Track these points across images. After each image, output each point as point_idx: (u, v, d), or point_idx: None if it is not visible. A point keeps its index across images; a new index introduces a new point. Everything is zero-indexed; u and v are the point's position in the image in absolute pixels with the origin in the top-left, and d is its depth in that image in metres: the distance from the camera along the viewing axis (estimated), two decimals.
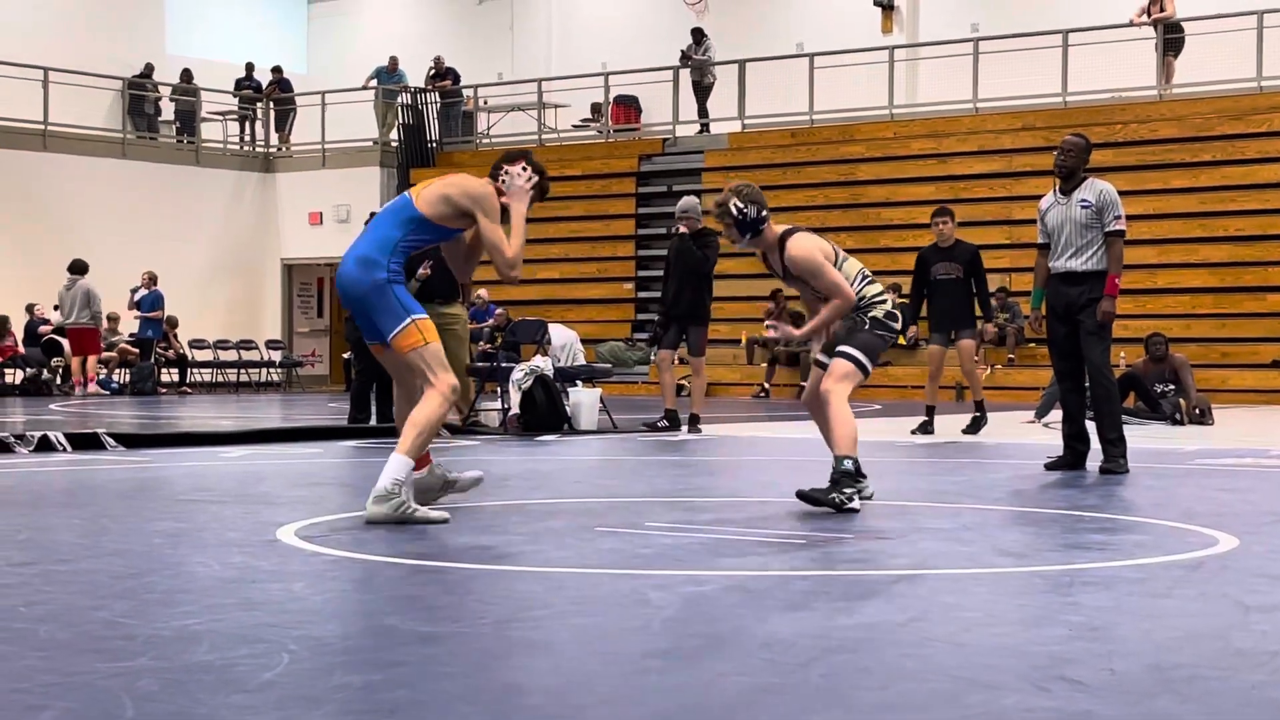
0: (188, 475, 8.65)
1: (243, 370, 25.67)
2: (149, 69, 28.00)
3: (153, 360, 22.84)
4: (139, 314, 22.92)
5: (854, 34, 26.11)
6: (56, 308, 21.80)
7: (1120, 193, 9.05)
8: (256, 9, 32.02)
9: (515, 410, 12.79)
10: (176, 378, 23.83)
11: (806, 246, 6.78)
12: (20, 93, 24.77)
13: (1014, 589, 4.73)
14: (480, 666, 3.51)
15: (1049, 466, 9.00)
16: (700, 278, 12.83)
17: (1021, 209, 21.09)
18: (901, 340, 12.58)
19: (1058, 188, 8.99)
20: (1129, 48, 22.78)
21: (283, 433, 12.03)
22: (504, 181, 6.43)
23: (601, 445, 11.51)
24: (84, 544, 5.56)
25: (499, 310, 22.81)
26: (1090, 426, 9.00)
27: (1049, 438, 11.60)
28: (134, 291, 22.98)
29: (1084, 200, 8.83)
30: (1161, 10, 22.69)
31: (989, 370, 20.27)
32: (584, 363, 15.69)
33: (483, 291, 23.33)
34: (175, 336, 23.97)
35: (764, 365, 22.33)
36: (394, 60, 28.71)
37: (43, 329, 22.13)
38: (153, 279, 22.91)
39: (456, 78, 28.59)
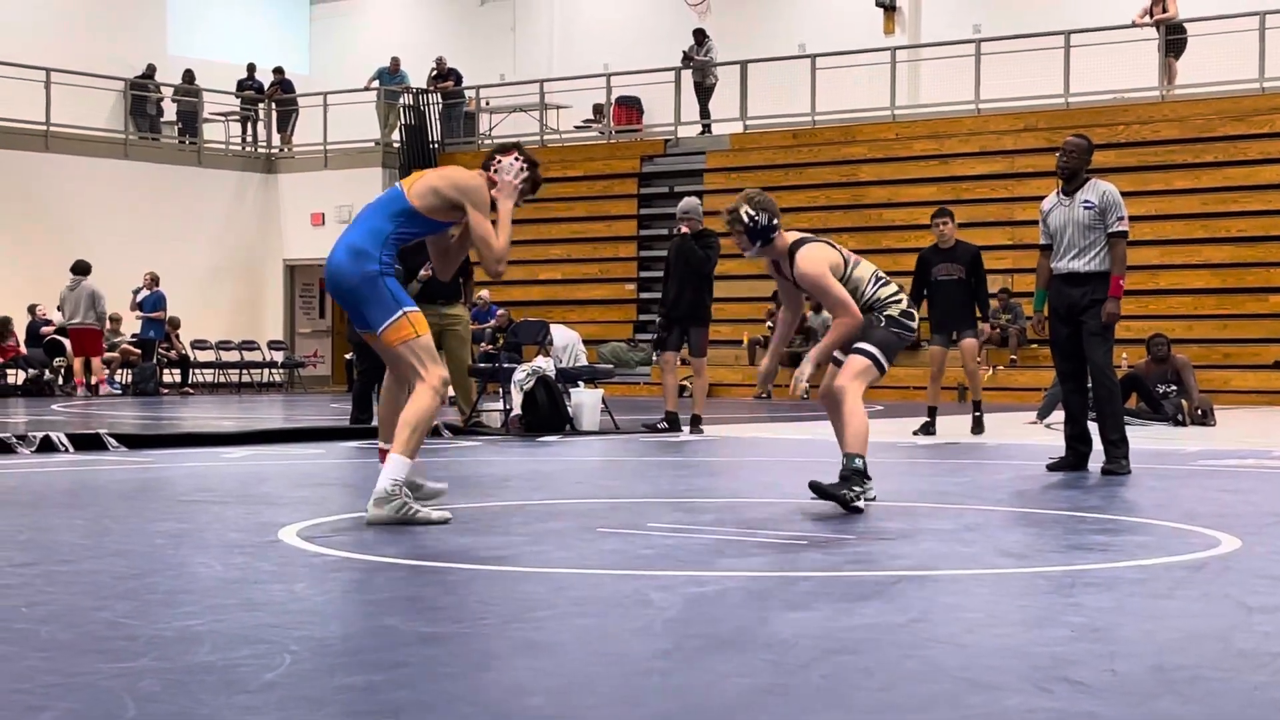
0: (190, 476, 8.65)
1: (245, 371, 25.68)
2: (151, 69, 28.01)
3: (155, 361, 22.84)
4: (141, 315, 22.93)
5: (856, 35, 26.11)
6: (59, 308, 21.79)
7: (1122, 194, 9.05)
8: (258, 9, 32.04)
9: (517, 411, 12.79)
10: (178, 378, 23.84)
11: (815, 261, 6.72)
12: (22, 93, 24.79)
13: (1016, 590, 4.73)
14: (482, 667, 3.51)
15: (1051, 467, 9.00)
16: (701, 278, 12.84)
17: (1023, 210, 21.09)
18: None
19: (1060, 188, 8.99)
20: (1131, 49, 22.77)
21: (285, 433, 12.03)
22: (495, 171, 6.41)
23: (603, 446, 11.51)
24: (86, 544, 5.56)
25: (501, 311, 22.82)
26: (1092, 427, 9.00)
27: (1051, 439, 11.60)
28: (135, 293, 22.98)
29: (1087, 201, 8.83)
30: (1164, 11, 22.68)
31: (990, 371, 20.26)
32: (586, 363, 15.70)
33: (484, 293, 23.34)
34: (177, 337, 23.97)
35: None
36: (396, 61, 28.72)
37: (45, 329, 22.13)
38: (154, 280, 22.92)
39: (458, 78, 28.60)
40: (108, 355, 22.11)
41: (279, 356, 26.45)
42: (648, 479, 8.86)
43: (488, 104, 29.15)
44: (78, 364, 21.23)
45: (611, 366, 18.15)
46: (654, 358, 21.95)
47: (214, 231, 27.34)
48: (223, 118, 29.12)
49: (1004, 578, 4.92)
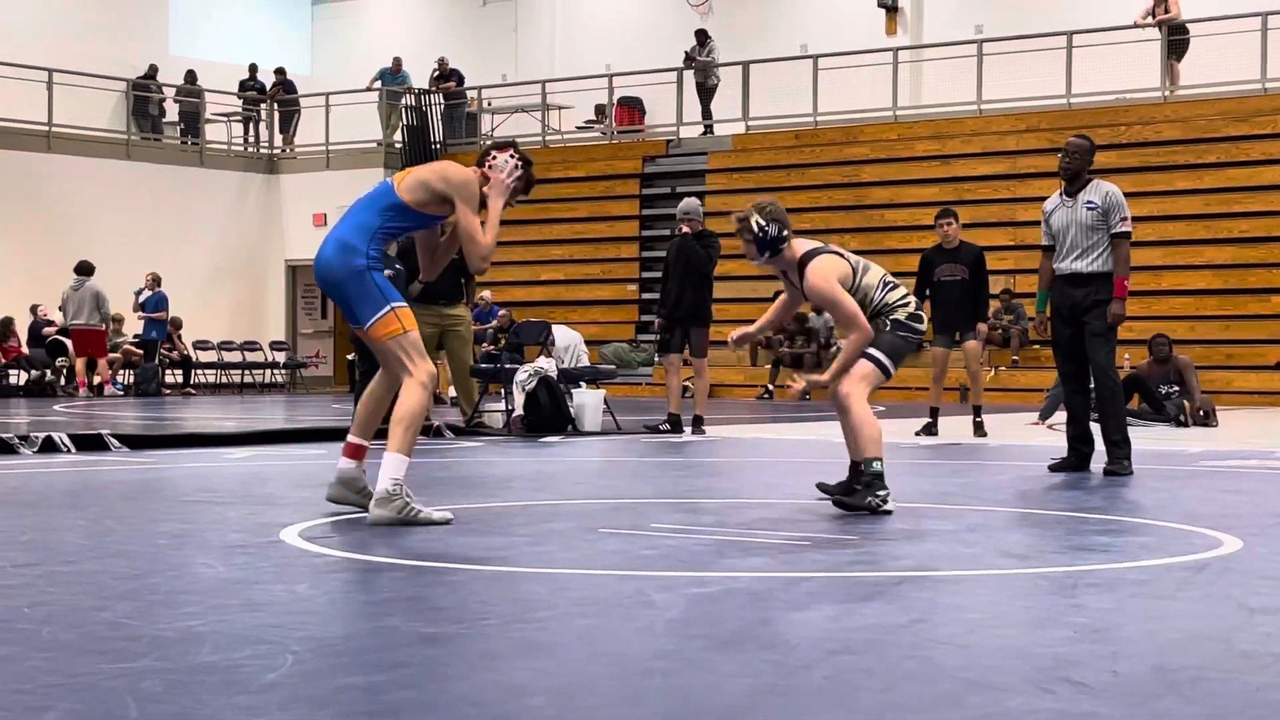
0: (191, 476, 8.66)
1: (247, 371, 25.68)
2: (153, 70, 28.03)
3: (157, 361, 22.84)
4: (143, 315, 22.93)
5: (858, 35, 26.11)
6: (61, 309, 21.79)
7: (1124, 194, 9.05)
8: (260, 10, 32.05)
9: (519, 411, 12.79)
10: (180, 379, 23.84)
11: (825, 277, 6.69)
12: (24, 94, 24.81)
13: (1018, 590, 4.72)
14: (483, 668, 3.51)
15: (1053, 468, 8.99)
16: (702, 278, 12.83)
17: (1025, 210, 21.09)
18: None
19: (1063, 189, 8.99)
20: (1133, 49, 22.76)
21: (287, 434, 12.04)
22: (489, 168, 6.40)
23: (605, 447, 11.51)
24: (88, 545, 5.56)
25: (502, 311, 22.82)
26: (1094, 428, 8.99)
27: (1053, 439, 11.60)
28: (137, 293, 23.00)
29: (1090, 202, 8.82)
30: (1166, 12, 22.67)
31: (992, 372, 20.26)
32: (588, 364, 15.69)
33: (486, 293, 23.34)
34: (179, 338, 23.98)
35: (768, 367, 22.34)
36: (398, 61, 28.73)
37: (47, 330, 22.14)
38: (156, 280, 22.92)
39: (460, 79, 28.60)
40: (110, 356, 22.12)
41: (281, 357, 26.46)
42: (649, 479, 8.86)
43: (490, 104, 29.15)
44: (80, 364, 21.24)
45: (613, 367, 18.16)
46: (656, 359, 21.95)
47: (216, 232, 27.35)
48: (225, 118, 29.13)
49: (1006, 578, 4.91)
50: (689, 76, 26.43)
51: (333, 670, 3.45)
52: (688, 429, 12.87)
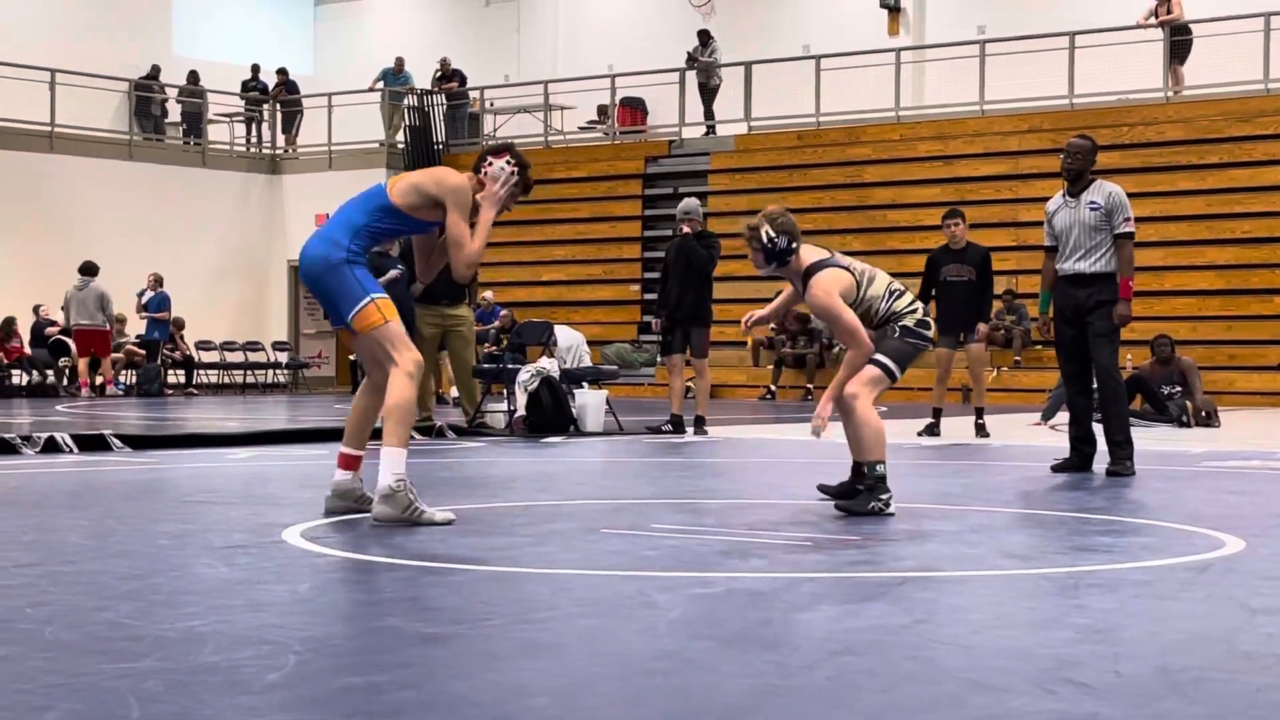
0: (194, 476, 8.66)
1: (249, 372, 25.68)
2: (155, 70, 28.03)
3: (159, 362, 22.85)
4: (146, 315, 22.94)
5: (860, 36, 26.10)
6: (63, 309, 21.77)
7: (1127, 195, 9.04)
8: (263, 10, 32.05)
9: (521, 412, 12.79)
10: (183, 379, 23.85)
11: (828, 290, 6.66)
12: (26, 94, 24.81)
13: (1020, 591, 4.72)
14: (485, 668, 3.51)
15: (1055, 469, 8.99)
16: (703, 278, 12.82)
17: (1028, 211, 21.09)
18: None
19: (1066, 190, 8.98)
20: (1136, 50, 22.75)
21: (289, 434, 12.04)
22: (485, 174, 6.39)
23: (607, 447, 11.51)
24: (90, 545, 5.56)
25: (504, 312, 22.82)
26: (1097, 429, 8.99)
27: (1055, 440, 11.59)
28: (140, 295, 23.01)
29: (1093, 202, 8.82)
30: (1169, 12, 22.66)
31: (994, 373, 20.25)
32: (590, 364, 15.69)
33: (488, 293, 23.34)
34: (181, 338, 23.99)
35: (770, 367, 22.33)
36: (400, 62, 28.73)
37: (49, 330, 22.15)
38: (158, 280, 22.93)
39: (463, 79, 28.61)
40: (112, 356, 22.13)
41: (283, 357, 26.46)
42: (651, 480, 8.86)
43: (492, 105, 29.15)
44: (83, 364, 21.24)
45: (616, 367, 18.16)
46: (658, 360, 21.95)
47: (218, 232, 27.35)
48: (227, 119, 29.13)
49: (1008, 579, 4.91)
50: (691, 77, 26.43)
51: (335, 670, 3.45)
52: (690, 430, 12.87)
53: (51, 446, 10.15)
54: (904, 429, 12.89)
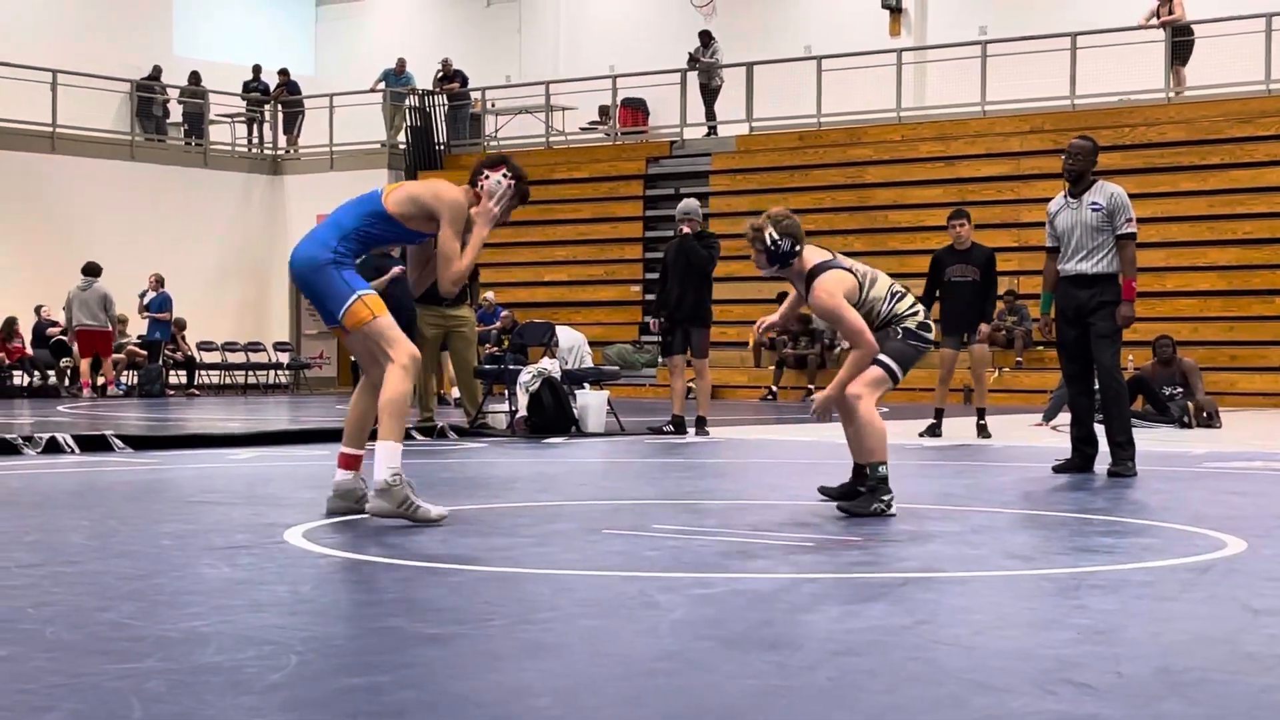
0: (195, 477, 8.66)
1: (250, 372, 25.69)
2: (157, 71, 28.04)
3: (160, 362, 22.86)
4: (148, 315, 22.94)
5: (862, 36, 26.10)
6: (65, 309, 21.77)
7: (1129, 196, 9.04)
8: (264, 11, 32.06)
9: (522, 412, 12.79)
10: (184, 380, 23.86)
11: (831, 291, 6.65)
12: (28, 94, 24.82)
13: (1022, 592, 4.72)
14: (487, 668, 3.51)
15: (1057, 469, 8.99)
16: (703, 278, 12.81)
17: (1029, 212, 21.08)
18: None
19: (1067, 190, 8.98)
20: (1137, 51, 22.75)
21: (290, 435, 12.04)
22: (482, 187, 6.38)
23: (609, 448, 11.51)
24: (92, 545, 5.56)
25: (505, 312, 22.82)
26: (1099, 430, 8.99)
27: (1057, 441, 11.59)
28: (142, 296, 23.02)
29: (1095, 203, 8.82)
30: (1171, 13, 22.65)
31: (996, 373, 20.25)
32: (591, 365, 15.70)
33: (490, 294, 23.34)
34: (183, 338, 23.99)
35: (771, 368, 22.33)
36: (402, 62, 28.74)
37: (51, 330, 22.16)
38: (160, 281, 22.94)
39: (464, 80, 28.62)
40: (114, 356, 22.14)
41: (285, 358, 26.46)
42: (653, 481, 8.86)
43: (493, 105, 29.16)
44: (85, 365, 21.25)
45: (617, 368, 18.16)
46: (660, 361, 21.95)
47: (220, 233, 27.36)
48: (228, 119, 29.14)
49: (1010, 580, 4.91)
50: (693, 78, 26.43)
51: (336, 671, 3.46)
52: (691, 430, 12.86)
53: (53, 447, 10.16)
54: (906, 430, 12.89)
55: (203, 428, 13.49)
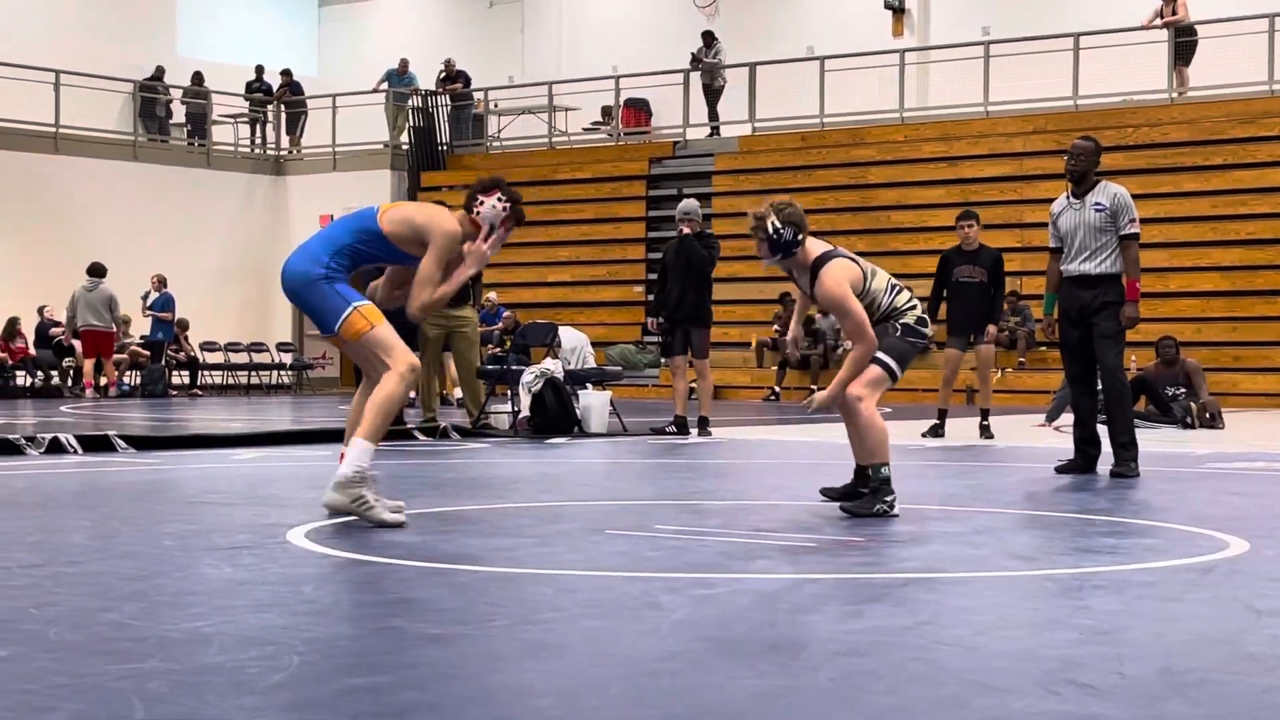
0: (198, 477, 8.66)
1: (253, 373, 25.70)
2: (160, 72, 28.06)
3: (163, 362, 22.87)
4: (151, 313, 22.95)
5: (864, 37, 26.09)
6: (69, 310, 21.77)
7: (1132, 196, 9.04)
8: (267, 11, 32.07)
9: (525, 413, 12.79)
10: (187, 380, 23.86)
11: (839, 282, 6.63)
12: (31, 95, 24.83)
13: (1024, 592, 4.72)
14: (490, 669, 3.51)
15: (1060, 470, 8.99)
16: (703, 279, 12.79)
17: (1032, 212, 21.07)
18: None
19: (1070, 191, 8.98)
20: (1140, 51, 22.74)
21: (293, 435, 12.05)
22: (478, 214, 6.37)
23: (611, 448, 11.51)
24: (94, 546, 5.56)
25: (508, 313, 22.82)
26: (1101, 430, 8.98)
27: (1060, 441, 11.59)
28: (145, 298, 23.03)
29: (1098, 204, 8.82)
30: (1175, 13, 22.64)
31: (999, 374, 20.24)
32: (594, 365, 15.69)
33: (492, 294, 23.34)
34: (186, 339, 24.00)
35: (774, 368, 22.33)
36: (404, 63, 28.74)
37: (54, 330, 22.17)
38: (162, 281, 22.96)
39: (467, 81, 28.62)
40: (116, 357, 22.16)
41: (287, 358, 26.47)
42: (655, 481, 8.86)
43: (496, 106, 29.16)
44: (88, 365, 21.26)
45: (619, 368, 18.15)
46: (662, 361, 21.94)
47: (223, 233, 27.37)
48: (231, 120, 29.16)
49: (1012, 580, 4.91)
50: (695, 78, 26.43)
51: (339, 671, 3.46)
52: (694, 431, 12.86)
53: (56, 447, 10.16)
54: (908, 430, 12.89)
55: (205, 428, 13.50)
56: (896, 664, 3.55)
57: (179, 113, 28.63)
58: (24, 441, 10.12)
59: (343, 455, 6.48)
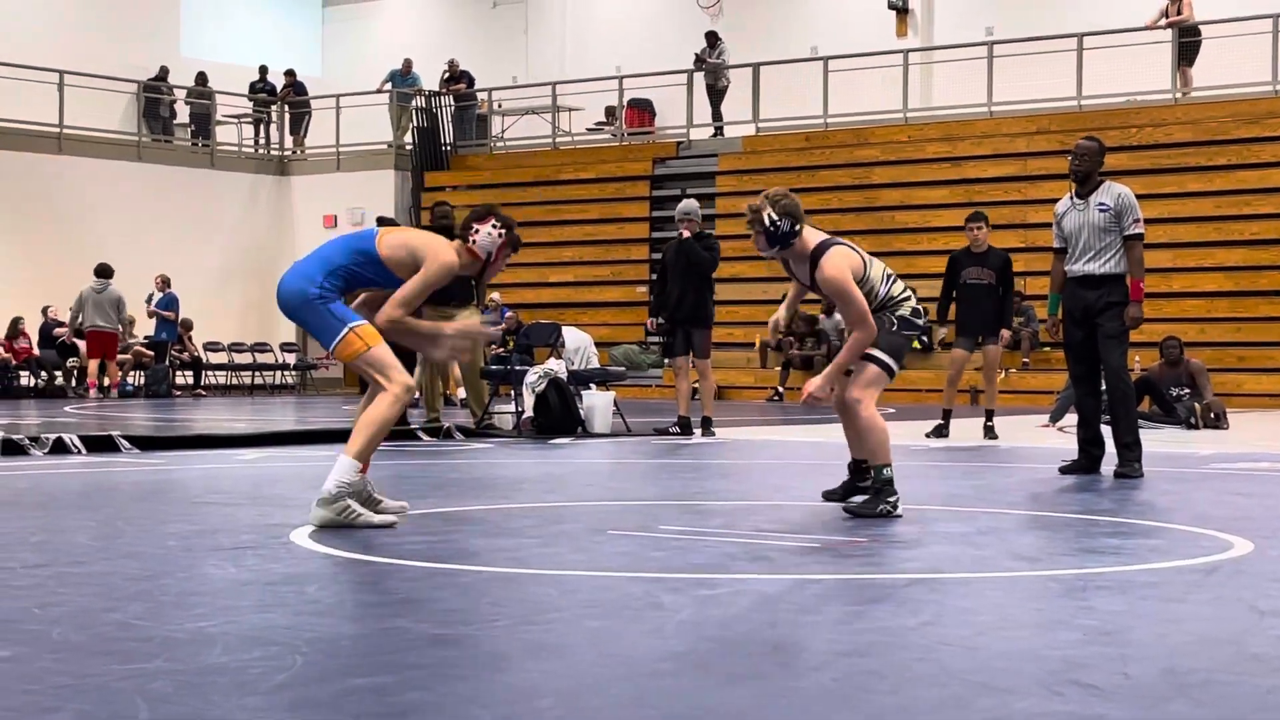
0: (202, 477, 8.67)
1: (257, 373, 25.71)
2: (164, 72, 28.07)
3: (167, 363, 22.88)
4: (155, 312, 22.96)
5: (868, 37, 26.08)
6: (75, 310, 21.76)
7: (1135, 196, 9.03)
8: (271, 12, 32.08)
9: (529, 413, 12.80)
10: (191, 380, 23.87)
11: (840, 267, 6.61)
12: (35, 95, 24.84)
13: (1028, 593, 4.72)
14: (493, 669, 3.51)
15: (1063, 470, 8.98)
16: (703, 279, 12.78)
17: (1036, 212, 21.06)
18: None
19: (1074, 191, 8.97)
20: (1144, 51, 22.73)
21: (297, 435, 12.05)
22: (474, 242, 6.37)
23: (615, 448, 11.51)
24: (98, 546, 5.57)
25: (511, 313, 22.83)
26: (1105, 431, 8.98)
27: (1064, 442, 11.58)
28: (149, 300, 23.03)
29: (1102, 204, 8.81)
30: (1179, 14, 22.62)
31: (1003, 374, 20.23)
32: (597, 365, 15.70)
33: (496, 295, 23.34)
34: (190, 339, 24.01)
35: (777, 369, 22.32)
36: (408, 63, 28.75)
37: (58, 331, 22.18)
38: (166, 281, 22.97)
39: (471, 81, 28.63)
40: (120, 357, 22.17)
41: (291, 358, 26.47)
42: (659, 482, 8.86)
43: (500, 106, 29.16)
44: (93, 365, 21.28)
45: (623, 369, 18.14)
46: (665, 361, 21.94)
47: (226, 233, 27.38)
48: (235, 120, 29.17)
49: (1016, 581, 4.91)
50: (699, 78, 26.43)
51: (342, 671, 3.46)
52: (697, 431, 12.86)
53: (60, 447, 10.17)
54: (912, 431, 12.89)
55: (209, 428, 13.50)
56: (899, 664, 3.55)
57: (183, 113, 28.64)
58: (28, 441, 10.12)
59: None
